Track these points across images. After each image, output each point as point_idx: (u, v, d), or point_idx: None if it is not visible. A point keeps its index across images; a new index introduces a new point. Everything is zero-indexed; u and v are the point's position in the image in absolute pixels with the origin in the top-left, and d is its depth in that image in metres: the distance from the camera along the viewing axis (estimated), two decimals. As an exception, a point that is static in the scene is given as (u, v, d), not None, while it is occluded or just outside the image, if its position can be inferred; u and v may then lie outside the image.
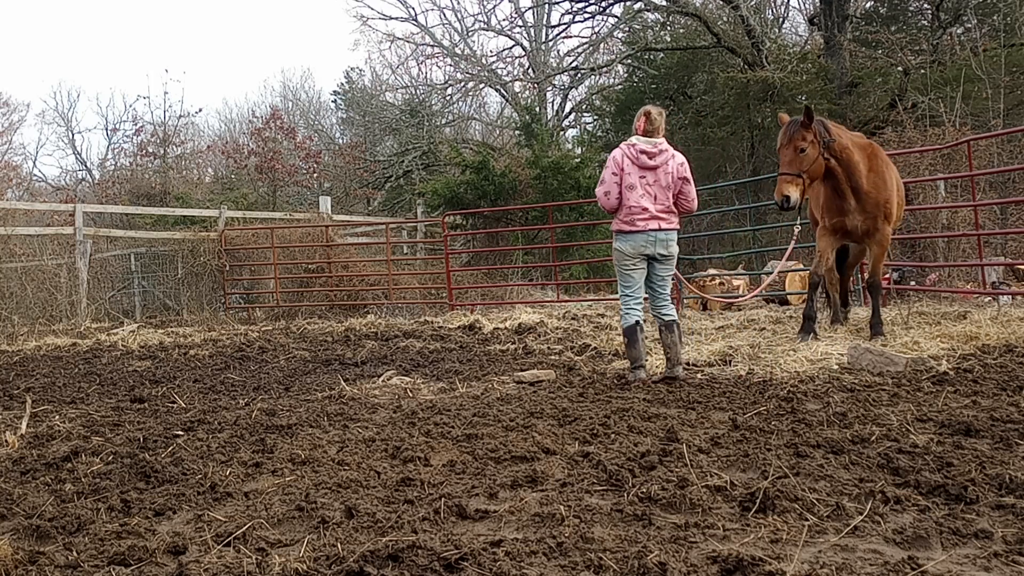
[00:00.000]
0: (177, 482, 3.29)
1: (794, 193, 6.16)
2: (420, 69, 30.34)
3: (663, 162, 5.43)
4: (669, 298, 5.61)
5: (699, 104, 22.46)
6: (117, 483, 3.29)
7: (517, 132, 22.70)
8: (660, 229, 5.42)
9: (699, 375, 5.61)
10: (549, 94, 27.65)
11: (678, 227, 5.55)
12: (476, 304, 12.70)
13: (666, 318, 5.51)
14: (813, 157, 6.29)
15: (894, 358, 5.34)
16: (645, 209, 5.40)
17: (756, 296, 9.28)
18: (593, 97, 27.70)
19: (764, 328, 7.94)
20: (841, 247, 7.35)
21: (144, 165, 25.83)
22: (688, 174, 5.51)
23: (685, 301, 11.66)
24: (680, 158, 5.54)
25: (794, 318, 8.53)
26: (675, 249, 5.52)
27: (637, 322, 5.52)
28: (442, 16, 37.87)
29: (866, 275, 7.18)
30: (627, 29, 25.46)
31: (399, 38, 29.13)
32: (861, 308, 8.89)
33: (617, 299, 12.84)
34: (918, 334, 6.49)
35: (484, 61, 27.90)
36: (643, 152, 5.44)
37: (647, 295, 5.67)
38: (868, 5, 21.91)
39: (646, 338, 5.68)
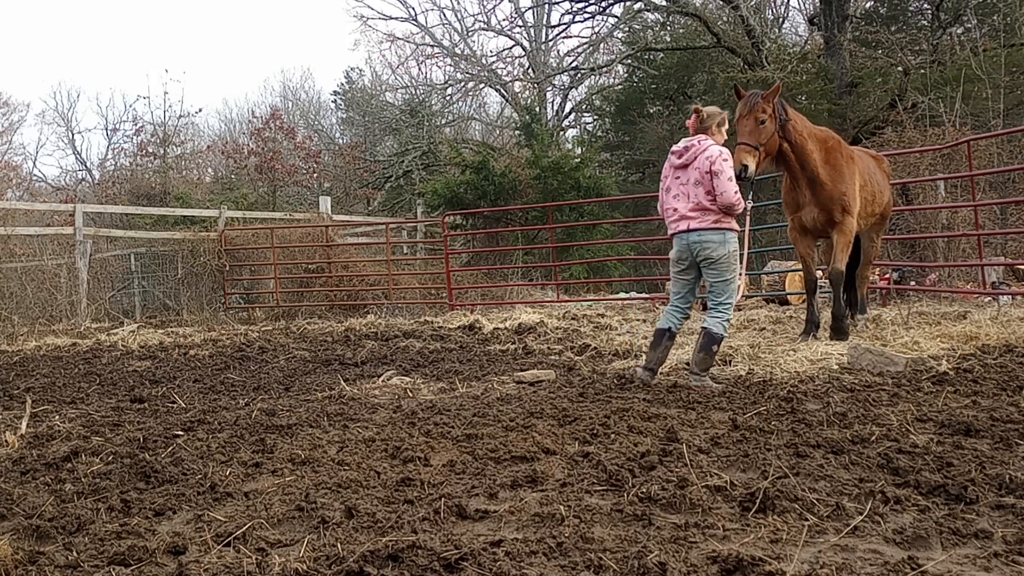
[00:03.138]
0: (177, 482, 3.29)
1: (751, 163, 6.08)
2: (420, 69, 30.40)
3: (692, 158, 5.19)
4: (717, 305, 5.23)
5: (699, 104, 22.45)
6: (117, 483, 3.29)
7: (517, 132, 22.71)
8: (690, 230, 5.17)
9: (699, 375, 5.60)
10: (549, 94, 27.69)
11: (718, 226, 5.12)
12: (476, 304, 12.70)
13: (703, 324, 5.25)
14: (771, 131, 6.25)
15: (894, 358, 5.34)
16: (676, 210, 5.23)
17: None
18: (593, 97, 27.73)
19: (764, 328, 7.94)
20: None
21: (144, 165, 25.85)
22: (717, 167, 5.09)
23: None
24: (711, 151, 5.16)
25: (794, 318, 8.53)
26: (718, 252, 5.12)
27: (667, 329, 5.31)
28: (442, 16, 37.92)
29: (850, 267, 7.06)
30: (627, 29, 25.48)
31: (399, 38, 29.21)
32: (872, 310, 8.89)
33: (617, 299, 12.88)
34: (918, 334, 6.49)
35: (484, 61, 27.93)
36: (674, 152, 5.29)
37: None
38: (868, 5, 21.91)
39: (671, 346, 5.41)
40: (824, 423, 3.84)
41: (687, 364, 6.01)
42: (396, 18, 36.90)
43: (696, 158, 5.18)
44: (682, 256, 5.26)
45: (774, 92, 6.28)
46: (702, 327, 5.23)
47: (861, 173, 6.91)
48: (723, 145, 5.37)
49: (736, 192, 5.10)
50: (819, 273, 7.54)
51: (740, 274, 7.27)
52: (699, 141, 5.21)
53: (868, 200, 7.00)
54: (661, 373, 5.75)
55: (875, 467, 3.11)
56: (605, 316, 9.95)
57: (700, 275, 5.32)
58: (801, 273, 11.04)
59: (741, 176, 6.07)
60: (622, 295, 14.02)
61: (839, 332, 6.54)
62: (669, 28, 24.88)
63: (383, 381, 5.93)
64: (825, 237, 6.92)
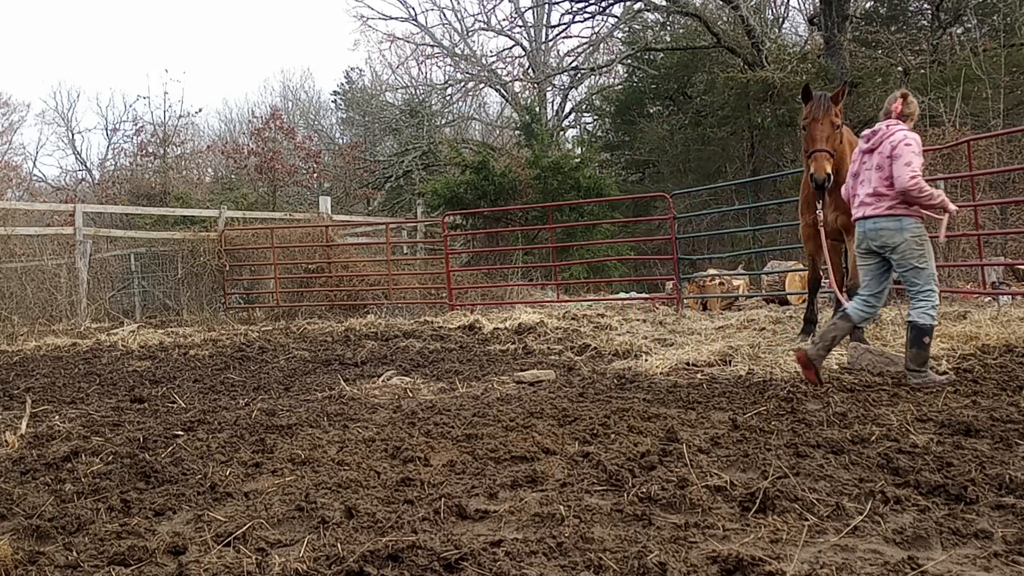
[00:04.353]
0: (177, 482, 3.29)
1: (831, 172, 5.79)
2: (420, 69, 30.43)
3: (878, 142, 4.97)
4: (916, 296, 4.88)
5: (699, 104, 22.47)
6: (117, 483, 3.29)
7: (517, 132, 22.71)
8: (865, 217, 4.97)
9: (699, 375, 5.61)
10: (549, 94, 27.69)
11: (892, 213, 4.85)
12: (476, 304, 12.70)
13: (908, 317, 4.92)
14: (839, 137, 5.97)
15: (894, 358, 5.34)
16: (857, 196, 5.09)
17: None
18: (593, 97, 27.73)
19: (764, 328, 7.94)
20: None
21: (144, 165, 25.86)
22: (898, 150, 4.80)
23: (685, 301, 11.66)
24: (899, 135, 4.87)
25: (794, 318, 8.53)
26: (895, 240, 4.83)
27: (854, 324, 5.05)
28: (442, 16, 37.98)
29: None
30: (627, 29, 25.49)
31: (399, 38, 29.24)
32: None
33: (617, 299, 12.88)
34: (918, 334, 6.47)
35: (484, 61, 27.93)
36: (863, 136, 5.11)
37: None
38: (868, 5, 21.91)
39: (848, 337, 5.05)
40: (824, 423, 3.84)
41: (687, 364, 6.02)
42: (396, 18, 37.04)
43: (881, 142, 4.97)
44: (860, 242, 5.08)
45: (840, 93, 6.05)
46: (908, 321, 4.89)
47: None
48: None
49: (913, 177, 4.74)
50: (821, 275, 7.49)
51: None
52: (888, 126, 5.00)
53: None
54: (661, 373, 5.76)
55: (875, 467, 3.11)
56: (605, 316, 9.95)
57: (885, 263, 5.01)
58: (801, 273, 11.10)
59: (823, 185, 5.82)
60: (622, 295, 14.03)
61: (858, 340, 6.35)
62: (669, 28, 24.88)
63: (383, 381, 5.93)
64: (839, 241, 6.71)
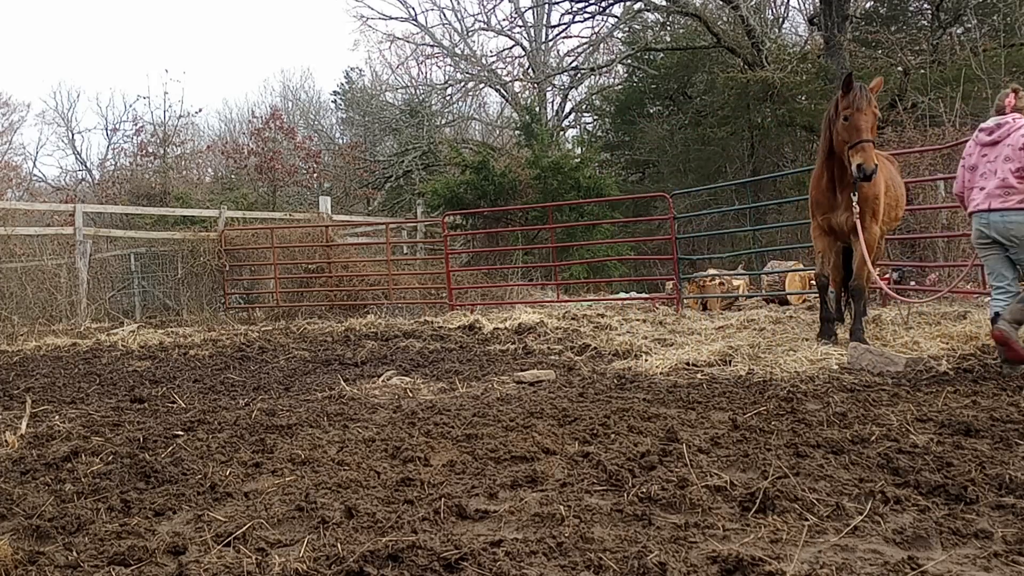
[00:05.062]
0: (177, 482, 3.29)
1: (877, 162, 5.76)
2: (420, 69, 30.44)
3: (1005, 134, 4.99)
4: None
5: (699, 104, 22.48)
6: (117, 483, 3.29)
7: (517, 132, 22.71)
8: (991, 209, 4.99)
9: (699, 375, 5.61)
10: (549, 94, 27.68)
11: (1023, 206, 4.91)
12: (476, 304, 12.70)
13: None
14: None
15: (894, 358, 5.34)
16: (982, 189, 5.08)
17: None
18: (593, 97, 27.74)
19: (764, 328, 7.93)
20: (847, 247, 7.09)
21: (144, 165, 25.85)
22: None
23: (685, 301, 11.66)
24: None
25: (794, 318, 8.53)
26: (1023, 232, 4.92)
27: (996, 314, 5.03)
28: (442, 16, 38.00)
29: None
30: (627, 29, 25.49)
31: (399, 38, 29.25)
32: (872, 311, 8.87)
33: (617, 299, 12.88)
34: (918, 334, 6.48)
35: (484, 61, 27.93)
36: (983, 129, 5.12)
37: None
38: (868, 5, 21.91)
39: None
40: (824, 423, 3.84)
41: (687, 364, 6.02)
42: (396, 18, 37.04)
43: (1010, 135, 4.99)
44: (982, 236, 5.10)
45: (878, 87, 5.99)
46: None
47: (886, 178, 6.73)
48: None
49: None
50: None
51: None
52: (1014, 119, 5.03)
53: (891, 205, 6.73)
54: (661, 373, 5.75)
55: (875, 467, 3.11)
56: (605, 316, 9.94)
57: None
58: (801, 274, 11.09)
59: (871, 176, 5.77)
60: (622, 295, 14.02)
61: (858, 340, 6.28)
62: (669, 28, 24.88)
63: (383, 381, 5.93)
64: (844, 240, 6.60)
